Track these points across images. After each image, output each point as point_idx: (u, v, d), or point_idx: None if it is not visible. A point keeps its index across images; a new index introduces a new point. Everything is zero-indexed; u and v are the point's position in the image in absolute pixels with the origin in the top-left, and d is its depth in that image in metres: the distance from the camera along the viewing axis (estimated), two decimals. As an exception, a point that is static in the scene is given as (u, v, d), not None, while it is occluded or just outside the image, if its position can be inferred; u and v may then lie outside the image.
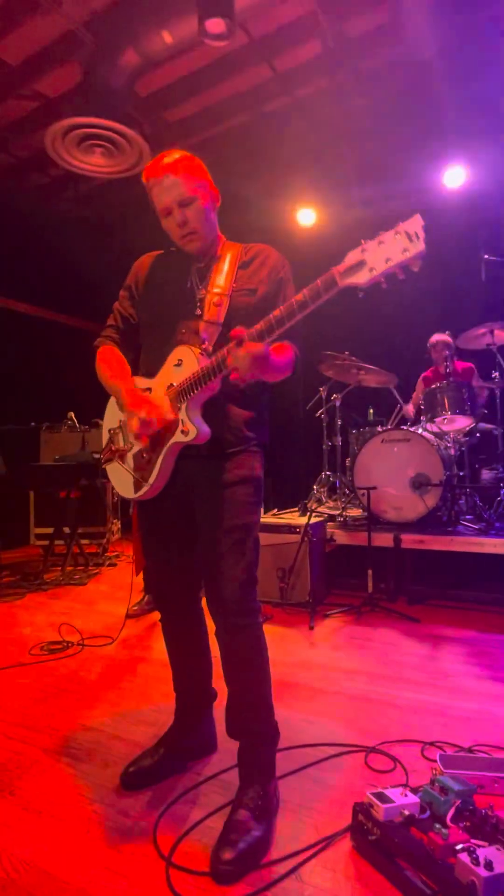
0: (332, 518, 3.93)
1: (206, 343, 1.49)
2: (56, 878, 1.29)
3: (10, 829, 1.47)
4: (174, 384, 1.50)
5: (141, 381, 1.61)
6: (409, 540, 3.44)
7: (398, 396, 4.38)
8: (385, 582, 3.58)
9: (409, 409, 4.49)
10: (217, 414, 1.50)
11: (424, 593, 3.58)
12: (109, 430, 1.71)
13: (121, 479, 1.67)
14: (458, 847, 1.17)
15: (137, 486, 1.60)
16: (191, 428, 1.45)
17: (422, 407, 3.88)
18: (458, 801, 1.29)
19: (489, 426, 4.07)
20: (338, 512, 3.99)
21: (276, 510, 4.40)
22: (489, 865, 1.10)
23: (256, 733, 1.54)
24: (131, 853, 1.37)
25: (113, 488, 1.75)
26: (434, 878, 1.15)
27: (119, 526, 5.87)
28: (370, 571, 3.33)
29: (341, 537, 3.67)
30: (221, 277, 1.58)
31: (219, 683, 1.63)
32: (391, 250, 1.15)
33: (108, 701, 2.21)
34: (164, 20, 3.43)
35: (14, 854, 1.37)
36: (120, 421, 1.66)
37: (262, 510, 4.33)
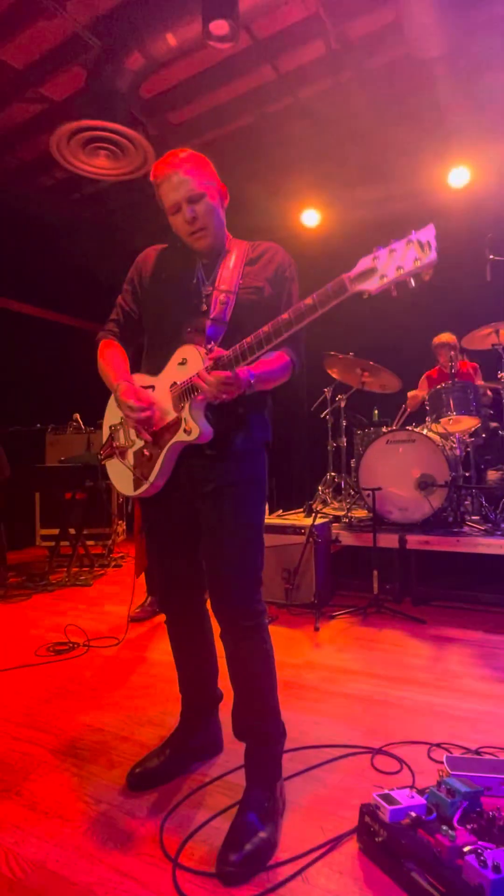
0: (337, 519, 3.92)
1: (212, 342, 1.48)
2: (63, 879, 1.30)
3: (17, 829, 1.47)
4: (177, 383, 1.49)
5: (144, 379, 1.61)
6: (415, 541, 3.43)
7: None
8: (390, 583, 3.57)
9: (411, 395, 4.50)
10: (220, 413, 1.49)
11: (430, 594, 3.57)
12: (110, 427, 1.70)
13: (120, 477, 1.66)
14: (466, 849, 1.17)
15: (137, 484, 1.60)
16: (193, 427, 1.45)
17: (427, 407, 3.87)
18: (466, 803, 1.29)
19: (495, 425, 4.05)
20: (343, 513, 3.98)
21: (281, 511, 4.39)
22: (497, 868, 1.10)
23: (262, 734, 1.54)
24: (138, 854, 1.37)
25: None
26: (441, 880, 1.15)
27: (124, 527, 5.88)
28: (375, 572, 3.32)
29: (346, 538, 3.66)
30: (228, 274, 1.57)
31: (225, 684, 1.63)
32: (403, 259, 1.15)
33: (113, 702, 2.22)
34: (168, 23, 3.45)
35: (21, 854, 1.38)
36: (121, 417, 1.66)
37: (267, 510, 4.32)
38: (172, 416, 1.50)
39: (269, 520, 3.78)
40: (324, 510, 4.08)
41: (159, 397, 1.54)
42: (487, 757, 1.73)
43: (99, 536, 5.47)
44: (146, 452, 1.57)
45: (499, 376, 3.77)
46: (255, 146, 5.00)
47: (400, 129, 4.60)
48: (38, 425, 5.83)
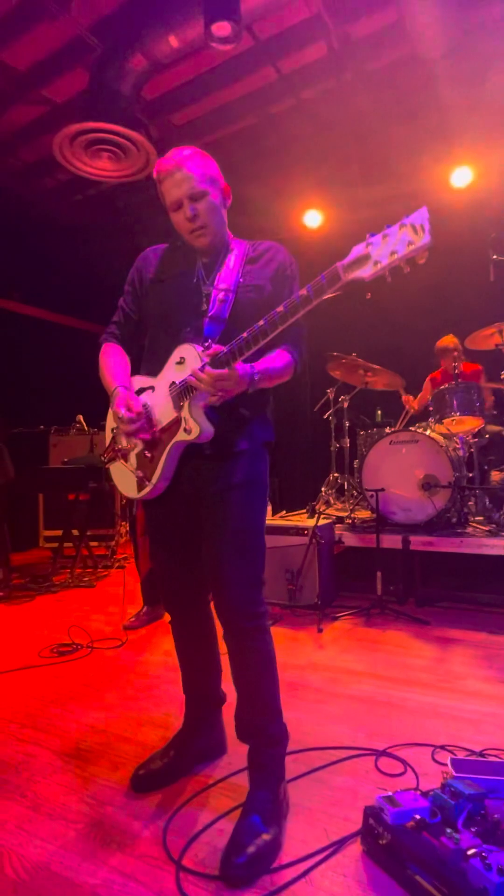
0: (340, 520, 3.92)
1: (210, 340, 1.47)
2: (66, 881, 1.30)
3: (20, 830, 1.47)
4: (176, 382, 1.48)
5: (144, 380, 1.61)
6: (418, 542, 3.42)
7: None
8: (394, 584, 3.56)
9: (409, 399, 4.50)
10: (221, 413, 1.48)
11: (434, 595, 3.56)
12: (112, 430, 1.71)
13: (124, 479, 1.67)
14: (470, 852, 1.16)
15: (140, 486, 1.60)
16: (193, 427, 1.44)
17: (430, 408, 3.87)
18: (470, 806, 1.28)
19: (497, 427, 4.04)
20: (346, 514, 3.98)
21: (284, 512, 4.39)
22: (501, 871, 1.09)
23: (266, 736, 1.53)
24: (141, 856, 1.37)
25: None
26: (445, 883, 1.14)
27: (128, 528, 5.88)
28: (379, 573, 3.31)
29: (350, 539, 3.66)
30: (228, 273, 1.56)
31: (228, 685, 1.63)
32: (396, 243, 1.14)
33: (117, 703, 2.22)
34: (170, 24, 3.45)
35: (25, 856, 1.38)
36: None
37: (270, 511, 4.32)
38: (173, 416, 1.49)
39: (273, 521, 3.78)
40: (327, 511, 4.07)
41: (159, 398, 1.54)
42: (492, 759, 1.72)
43: (102, 538, 5.48)
44: (148, 454, 1.57)
45: (502, 376, 3.76)
46: (257, 147, 5.00)
47: (402, 130, 4.60)
48: (42, 427, 5.84)
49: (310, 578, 3.34)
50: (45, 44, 3.88)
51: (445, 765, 1.65)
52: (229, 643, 1.54)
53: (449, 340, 4.49)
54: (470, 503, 3.84)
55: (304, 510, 4.21)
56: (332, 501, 4.48)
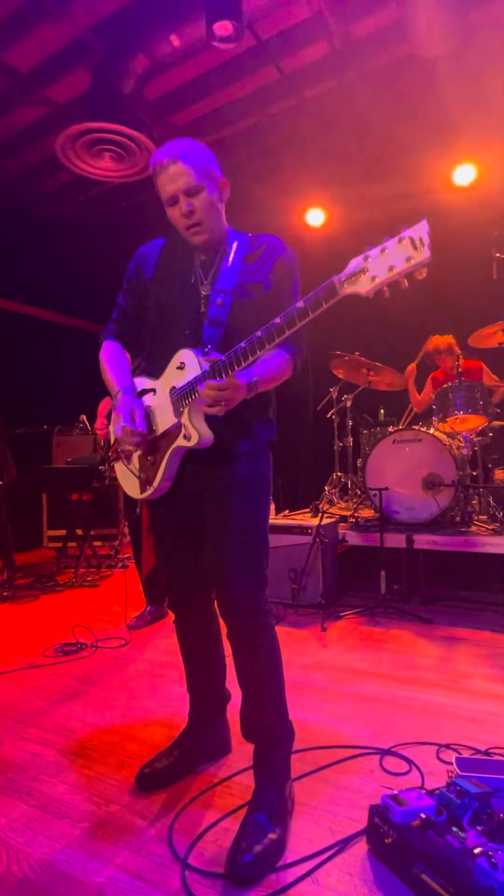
0: (343, 519, 3.92)
1: (209, 346, 1.46)
2: (73, 879, 1.30)
3: (27, 829, 1.48)
4: (176, 387, 1.48)
5: (145, 382, 1.61)
6: (422, 540, 3.42)
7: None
8: (398, 583, 3.56)
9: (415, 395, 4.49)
10: (223, 418, 1.47)
11: (438, 594, 3.56)
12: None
13: (127, 479, 1.68)
14: (476, 851, 1.16)
15: (143, 488, 1.61)
16: (193, 434, 1.44)
17: (433, 406, 3.86)
18: (476, 805, 1.28)
19: (502, 423, 4.03)
20: (350, 513, 3.98)
21: (287, 511, 4.39)
22: (508, 870, 1.09)
23: (271, 735, 1.54)
24: (147, 855, 1.37)
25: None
26: (451, 882, 1.14)
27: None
28: (383, 572, 3.31)
29: (353, 538, 3.66)
30: (226, 273, 1.54)
31: (233, 684, 1.63)
32: (395, 258, 1.11)
33: (122, 702, 2.22)
34: (172, 24, 3.45)
35: (31, 854, 1.38)
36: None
37: (273, 511, 4.32)
38: (173, 421, 1.49)
39: (276, 520, 3.78)
40: (330, 510, 4.07)
41: (160, 401, 1.54)
42: (497, 758, 1.72)
43: (106, 537, 5.49)
44: (149, 458, 1.57)
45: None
46: (259, 147, 5.00)
47: (404, 128, 4.59)
48: (45, 427, 5.85)
49: (313, 577, 3.34)
50: (46, 45, 3.88)
51: (451, 764, 1.64)
52: (233, 642, 1.54)
53: (440, 341, 4.38)
54: (474, 502, 3.83)
55: (308, 509, 4.21)
56: (335, 500, 4.48)
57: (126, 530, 5.62)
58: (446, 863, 1.18)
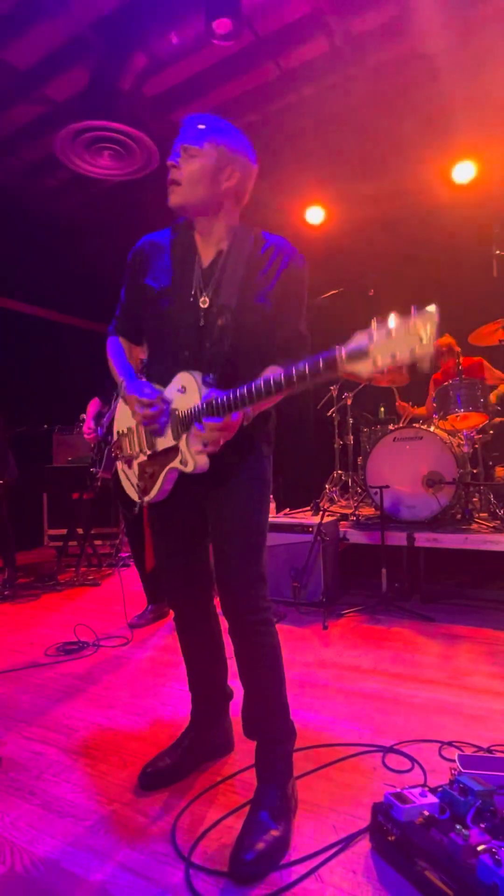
0: (344, 517, 3.92)
1: (211, 374, 1.41)
2: (76, 877, 1.30)
3: (30, 828, 1.48)
4: (177, 411, 1.45)
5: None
6: (423, 538, 3.42)
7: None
8: (399, 581, 3.56)
9: (404, 406, 4.51)
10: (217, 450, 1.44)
11: (439, 592, 3.56)
12: (118, 432, 1.72)
13: (128, 481, 1.70)
14: (480, 848, 1.16)
15: (140, 496, 1.63)
16: (189, 462, 1.44)
17: (434, 404, 3.86)
18: (479, 802, 1.28)
19: (501, 420, 4.03)
20: (350, 511, 3.98)
21: (288, 510, 4.39)
22: (511, 867, 1.09)
23: (273, 733, 1.54)
24: (151, 853, 1.37)
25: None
26: (455, 879, 1.14)
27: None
28: (384, 570, 3.31)
29: (354, 536, 3.66)
30: (227, 283, 1.46)
31: (236, 682, 1.64)
32: (399, 346, 1.10)
33: (124, 701, 2.22)
34: (171, 21, 3.44)
35: (35, 853, 1.38)
36: (127, 428, 1.66)
37: (274, 509, 4.32)
38: (172, 443, 1.49)
39: (277, 518, 3.78)
40: (331, 508, 4.08)
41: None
42: (500, 755, 1.72)
43: (107, 536, 5.49)
44: (148, 470, 1.58)
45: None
46: (258, 144, 4.92)
47: (404, 125, 4.57)
48: (46, 426, 5.84)
49: (314, 576, 3.34)
50: (45, 42, 3.86)
51: (453, 761, 1.64)
52: (234, 640, 1.54)
53: (440, 342, 4.39)
54: (474, 499, 3.83)
55: (309, 507, 4.21)
56: (336, 499, 4.48)
57: (124, 528, 5.64)
58: (450, 860, 1.18)
